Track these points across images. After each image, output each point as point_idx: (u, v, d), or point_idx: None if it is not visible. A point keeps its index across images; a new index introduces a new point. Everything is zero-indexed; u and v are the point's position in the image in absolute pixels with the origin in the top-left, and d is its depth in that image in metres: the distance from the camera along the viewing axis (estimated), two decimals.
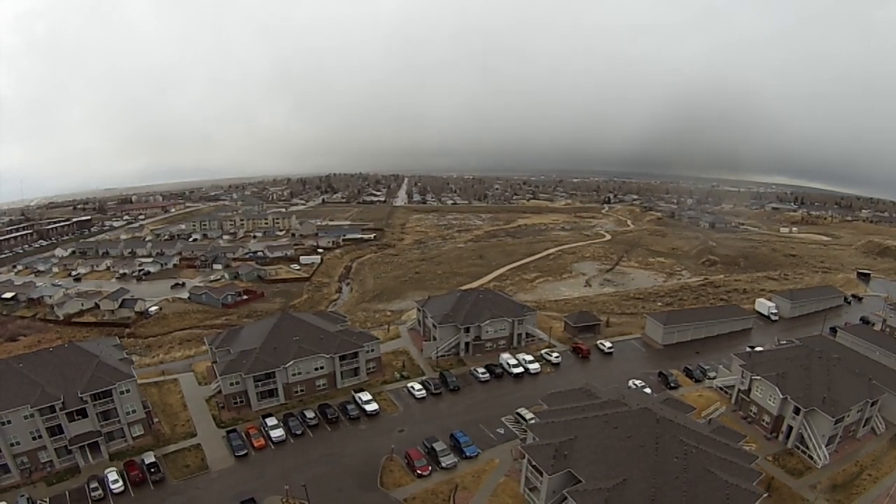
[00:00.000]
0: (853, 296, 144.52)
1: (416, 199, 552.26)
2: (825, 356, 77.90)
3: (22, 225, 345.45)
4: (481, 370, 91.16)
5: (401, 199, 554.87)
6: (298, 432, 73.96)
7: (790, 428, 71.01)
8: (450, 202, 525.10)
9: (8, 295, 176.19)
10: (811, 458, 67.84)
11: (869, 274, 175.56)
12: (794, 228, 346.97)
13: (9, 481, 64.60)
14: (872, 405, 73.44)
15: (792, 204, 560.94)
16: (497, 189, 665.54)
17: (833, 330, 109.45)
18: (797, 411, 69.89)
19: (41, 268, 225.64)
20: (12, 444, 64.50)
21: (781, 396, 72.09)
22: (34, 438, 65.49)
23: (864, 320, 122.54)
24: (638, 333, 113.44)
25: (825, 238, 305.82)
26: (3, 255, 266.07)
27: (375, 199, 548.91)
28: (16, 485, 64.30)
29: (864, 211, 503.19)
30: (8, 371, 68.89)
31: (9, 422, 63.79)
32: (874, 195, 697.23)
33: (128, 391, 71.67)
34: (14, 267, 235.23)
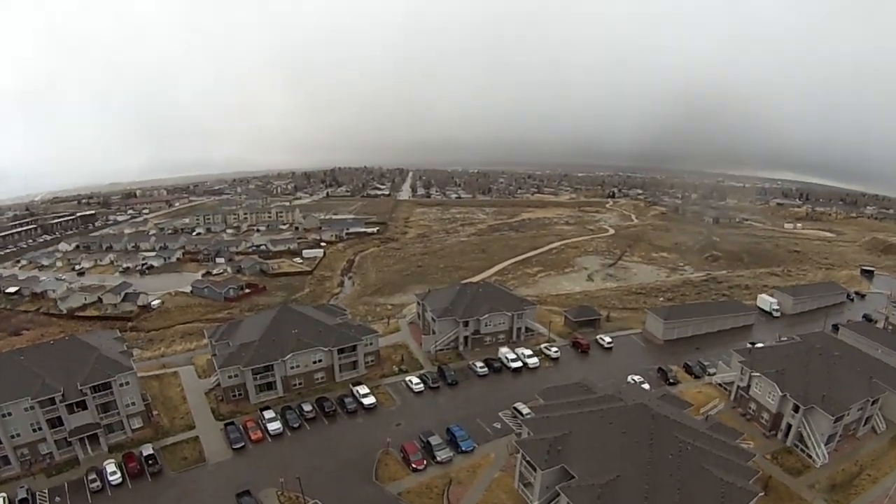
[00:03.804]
0: (856, 293, 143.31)
1: (420, 192, 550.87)
2: (826, 353, 77.27)
3: (26, 220, 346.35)
4: (480, 364, 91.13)
5: (405, 193, 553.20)
6: (296, 425, 74.22)
7: (789, 426, 70.59)
8: (454, 196, 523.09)
9: (12, 289, 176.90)
10: (810, 456, 67.42)
11: (872, 271, 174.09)
12: (799, 224, 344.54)
13: (9, 473, 65.18)
14: (873, 404, 72.82)
15: (797, 200, 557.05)
16: (501, 183, 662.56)
17: (835, 327, 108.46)
18: (796, 409, 69.39)
19: (45, 262, 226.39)
20: (13, 436, 65.16)
21: (780, 394, 71.63)
22: (34, 430, 66.12)
23: (867, 317, 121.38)
24: (638, 328, 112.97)
25: (829, 234, 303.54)
26: (8, 250, 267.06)
27: (380, 192, 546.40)
28: (16, 476, 64.89)
29: (868, 208, 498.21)
30: (9, 363, 69.56)
31: (9, 414, 64.41)
32: (880, 192, 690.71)
33: (127, 384, 72.17)
34: (18, 261, 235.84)
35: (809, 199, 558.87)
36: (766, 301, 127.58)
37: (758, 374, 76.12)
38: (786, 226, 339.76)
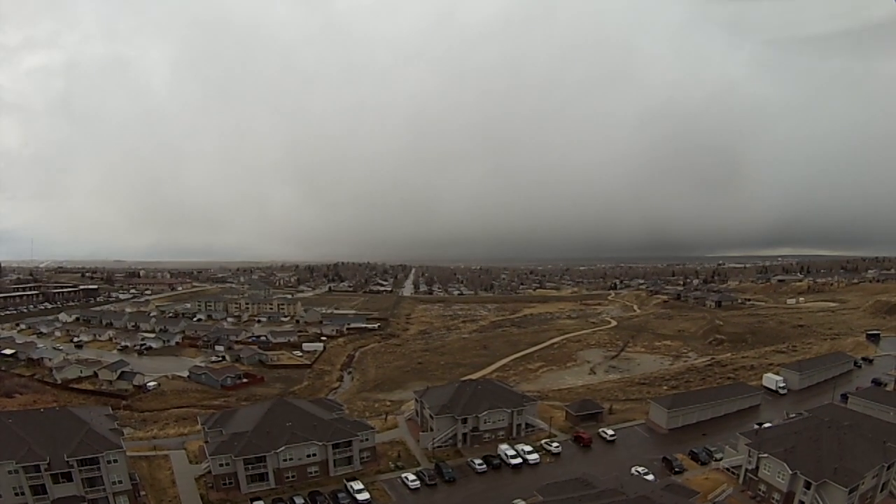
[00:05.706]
0: (863, 358, 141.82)
1: (422, 289, 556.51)
2: (835, 425, 75.74)
3: (29, 285, 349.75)
4: (478, 461, 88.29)
5: (408, 290, 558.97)
6: None
7: (802, 503, 67.29)
8: (456, 292, 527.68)
9: (8, 351, 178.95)
10: None
11: (878, 334, 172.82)
12: (801, 298, 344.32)
13: None
14: (888, 469, 70.29)
15: (798, 274, 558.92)
16: (503, 279, 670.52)
17: (844, 396, 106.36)
18: (808, 485, 66.78)
19: (44, 330, 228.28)
20: None
21: (791, 472, 69.08)
22: (16, 494, 65.37)
23: (876, 382, 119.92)
24: (642, 419, 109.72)
25: (832, 304, 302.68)
26: (8, 312, 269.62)
27: (382, 288, 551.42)
28: None
29: (870, 271, 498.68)
30: None
31: None
32: (880, 254, 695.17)
33: (115, 461, 71.32)
34: (17, 325, 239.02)
35: (811, 272, 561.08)
36: (771, 380, 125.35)
37: (765, 454, 73.80)
38: (788, 301, 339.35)
